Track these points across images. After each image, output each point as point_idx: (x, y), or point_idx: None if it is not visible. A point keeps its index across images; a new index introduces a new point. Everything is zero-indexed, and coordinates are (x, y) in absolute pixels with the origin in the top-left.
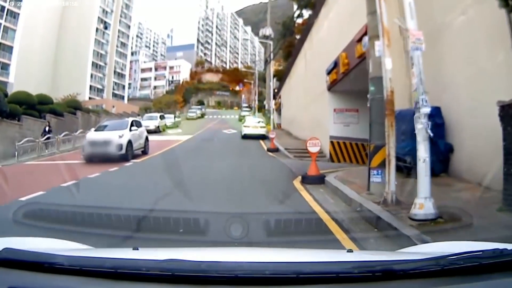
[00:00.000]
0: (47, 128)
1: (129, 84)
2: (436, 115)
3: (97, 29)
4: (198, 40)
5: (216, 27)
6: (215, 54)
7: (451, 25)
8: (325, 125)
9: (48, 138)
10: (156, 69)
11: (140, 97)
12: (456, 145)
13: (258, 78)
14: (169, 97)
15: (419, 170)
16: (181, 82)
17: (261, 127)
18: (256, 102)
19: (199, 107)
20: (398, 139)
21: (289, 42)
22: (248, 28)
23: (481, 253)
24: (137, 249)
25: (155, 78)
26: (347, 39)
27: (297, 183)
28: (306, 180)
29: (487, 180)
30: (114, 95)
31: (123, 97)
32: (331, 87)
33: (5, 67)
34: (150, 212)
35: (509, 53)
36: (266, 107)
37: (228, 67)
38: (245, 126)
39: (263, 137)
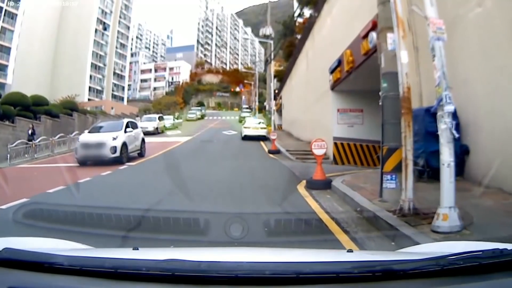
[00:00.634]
0: (30, 131)
1: (129, 85)
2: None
3: (96, 30)
4: (198, 41)
5: (216, 28)
6: (215, 55)
7: (466, 18)
8: (328, 126)
9: (30, 141)
10: (156, 70)
11: (140, 98)
12: (472, 146)
13: (259, 79)
14: (168, 98)
15: (443, 176)
16: (181, 83)
17: (261, 128)
18: (257, 103)
19: (199, 108)
20: None
21: (289, 42)
22: (248, 29)
23: (481, 253)
24: (137, 249)
25: (155, 80)
26: (351, 35)
27: (301, 188)
28: (311, 185)
29: (508, 185)
30: (114, 96)
31: (122, 99)
32: (334, 86)
33: (3, 68)
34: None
35: None
36: (267, 107)
37: (228, 68)
38: (245, 127)
39: (263, 138)
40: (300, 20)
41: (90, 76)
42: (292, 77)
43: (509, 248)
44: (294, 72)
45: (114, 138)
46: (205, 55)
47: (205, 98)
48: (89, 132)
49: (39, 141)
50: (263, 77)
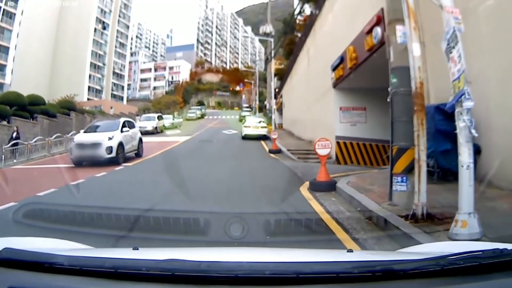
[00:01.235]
0: (14, 135)
1: (129, 85)
2: None
3: (95, 29)
4: (198, 40)
5: (216, 27)
6: (215, 54)
7: (477, 10)
8: (330, 124)
9: (15, 144)
10: (155, 70)
11: (139, 98)
12: (484, 146)
13: (259, 78)
14: (168, 98)
15: (462, 179)
16: (180, 82)
17: (262, 127)
18: (257, 102)
19: (199, 107)
20: None
21: (290, 40)
22: (248, 28)
23: (481, 253)
24: (137, 249)
25: (155, 79)
26: (354, 32)
27: (304, 190)
28: (315, 186)
29: None
30: (113, 96)
31: (122, 98)
32: (336, 84)
33: (1, 68)
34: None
35: None
36: (267, 106)
37: (228, 67)
38: (245, 127)
39: (264, 137)
40: (300, 17)
41: (90, 76)
42: (293, 75)
43: (509, 248)
44: (294, 70)
45: (110, 138)
46: (205, 54)
47: (205, 97)
48: (84, 132)
49: (35, 141)
50: (263, 76)
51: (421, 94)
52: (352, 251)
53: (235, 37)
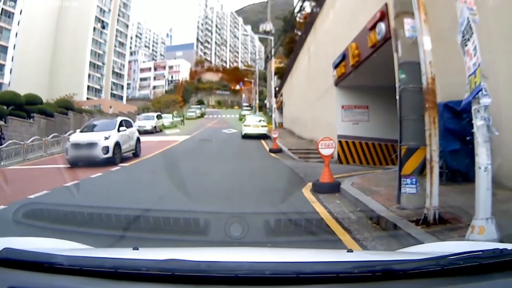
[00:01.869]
0: None
1: (128, 84)
2: (470, 111)
3: (94, 28)
4: (197, 39)
5: (216, 26)
6: (215, 53)
7: (487, 3)
8: (332, 123)
9: None
10: (155, 69)
11: (139, 97)
12: (494, 146)
13: (259, 77)
14: (168, 97)
15: (479, 182)
16: (180, 81)
17: (262, 126)
18: (257, 101)
19: (199, 106)
20: None
21: (290, 38)
22: (248, 27)
23: (481, 253)
24: (137, 249)
25: (155, 78)
26: (356, 28)
27: (307, 191)
28: (318, 188)
29: None
30: (113, 95)
31: (122, 97)
32: (338, 82)
33: (0, 67)
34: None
35: None
36: (268, 105)
37: (228, 66)
38: (245, 125)
39: (264, 136)
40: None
41: (89, 75)
42: (293, 73)
43: (509, 248)
44: (295, 68)
45: (107, 138)
46: (204, 53)
47: (205, 96)
48: (80, 131)
49: (31, 141)
50: (263, 75)
51: (432, 90)
52: (352, 251)
53: (235, 36)
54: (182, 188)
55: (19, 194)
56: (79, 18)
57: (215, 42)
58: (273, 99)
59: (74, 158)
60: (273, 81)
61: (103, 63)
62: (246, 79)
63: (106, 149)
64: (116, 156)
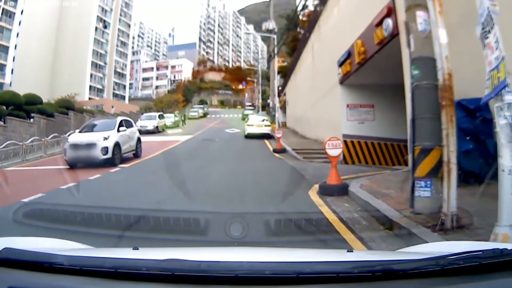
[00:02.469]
0: None
1: (131, 84)
2: (484, 109)
3: (96, 28)
4: (200, 38)
5: (218, 25)
6: (218, 53)
7: None
8: (336, 122)
9: None
10: (157, 69)
11: (142, 97)
12: None
13: (261, 76)
14: (170, 97)
15: (502, 185)
16: (183, 81)
17: (265, 125)
18: (260, 100)
19: (201, 106)
20: None
21: (293, 37)
22: (251, 27)
23: (481, 253)
24: (137, 249)
25: (157, 78)
26: (362, 25)
27: (313, 194)
28: (325, 190)
29: None
30: (115, 95)
31: (124, 97)
32: (343, 80)
33: (1, 68)
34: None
35: None
36: (271, 104)
37: (230, 65)
38: (248, 125)
39: (267, 136)
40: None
41: (91, 75)
42: (297, 72)
43: (509, 248)
44: (298, 67)
45: (106, 138)
46: (207, 53)
47: (207, 96)
48: (80, 131)
49: (31, 142)
50: (266, 75)
51: (450, 86)
52: (352, 251)
53: (237, 35)
54: (182, 190)
55: (12, 197)
56: (80, 18)
57: (218, 42)
58: (276, 99)
59: (73, 159)
60: (276, 80)
61: (105, 63)
62: (248, 78)
63: (105, 150)
64: (116, 157)
